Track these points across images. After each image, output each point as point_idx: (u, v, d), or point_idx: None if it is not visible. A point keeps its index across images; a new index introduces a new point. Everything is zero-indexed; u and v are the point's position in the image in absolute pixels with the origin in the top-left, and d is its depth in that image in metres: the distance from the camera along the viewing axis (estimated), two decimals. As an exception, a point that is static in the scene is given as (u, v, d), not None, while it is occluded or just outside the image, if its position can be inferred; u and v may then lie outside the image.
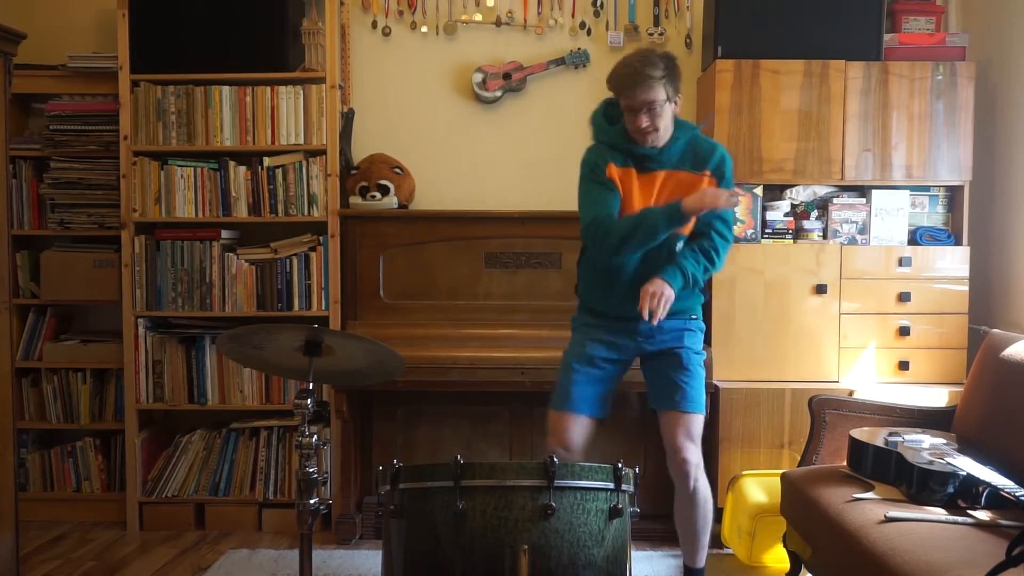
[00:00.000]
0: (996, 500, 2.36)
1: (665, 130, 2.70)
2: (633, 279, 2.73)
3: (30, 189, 3.92)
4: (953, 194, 3.70)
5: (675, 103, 2.71)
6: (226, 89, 3.77)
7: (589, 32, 4.04)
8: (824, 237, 3.68)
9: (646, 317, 2.62)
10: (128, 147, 3.78)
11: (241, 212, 3.81)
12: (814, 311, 3.62)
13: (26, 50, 3.01)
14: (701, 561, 2.86)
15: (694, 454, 2.74)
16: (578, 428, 2.78)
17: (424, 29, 4.05)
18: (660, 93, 2.64)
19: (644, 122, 2.65)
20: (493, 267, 3.75)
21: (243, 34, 3.75)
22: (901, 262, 3.62)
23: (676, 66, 2.68)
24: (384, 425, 3.84)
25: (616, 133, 2.77)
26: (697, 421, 2.77)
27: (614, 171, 2.75)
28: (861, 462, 2.69)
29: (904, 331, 3.60)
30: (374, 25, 4.06)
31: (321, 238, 3.80)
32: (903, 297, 3.61)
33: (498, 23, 4.03)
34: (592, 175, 2.77)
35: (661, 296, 2.63)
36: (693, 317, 2.85)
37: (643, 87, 2.62)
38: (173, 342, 3.84)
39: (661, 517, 3.71)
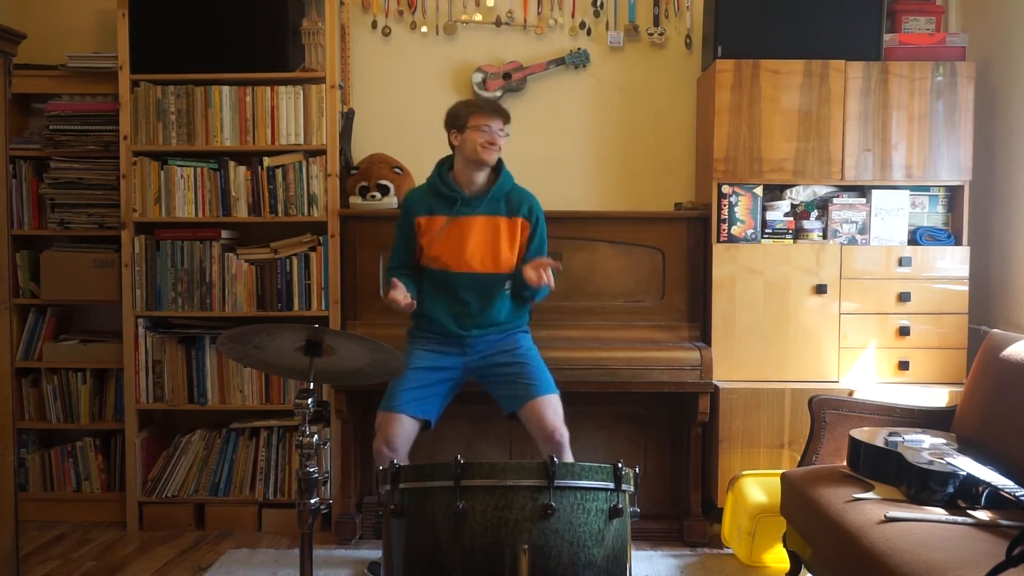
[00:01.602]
0: (996, 500, 2.36)
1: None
2: (472, 311, 3.14)
3: (30, 189, 3.92)
4: (953, 194, 3.70)
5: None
6: (226, 89, 3.77)
7: (589, 32, 4.04)
8: (824, 237, 3.68)
9: (547, 281, 2.98)
10: (128, 147, 3.78)
11: (241, 212, 3.81)
12: (814, 311, 3.62)
13: (26, 50, 3.02)
14: None
15: (565, 432, 3.02)
16: (402, 429, 3.03)
17: (424, 29, 4.05)
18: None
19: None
20: (493, 267, 3.74)
21: (243, 34, 3.75)
22: (901, 262, 3.62)
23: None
24: (384, 425, 3.83)
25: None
26: (556, 400, 3.07)
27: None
28: (861, 462, 2.69)
29: (904, 331, 3.60)
30: (374, 25, 4.06)
31: (321, 238, 3.80)
32: (903, 297, 3.61)
33: (498, 23, 4.03)
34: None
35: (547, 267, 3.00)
36: (522, 331, 3.27)
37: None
38: (173, 342, 3.84)
39: (661, 517, 3.72)
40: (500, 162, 3.18)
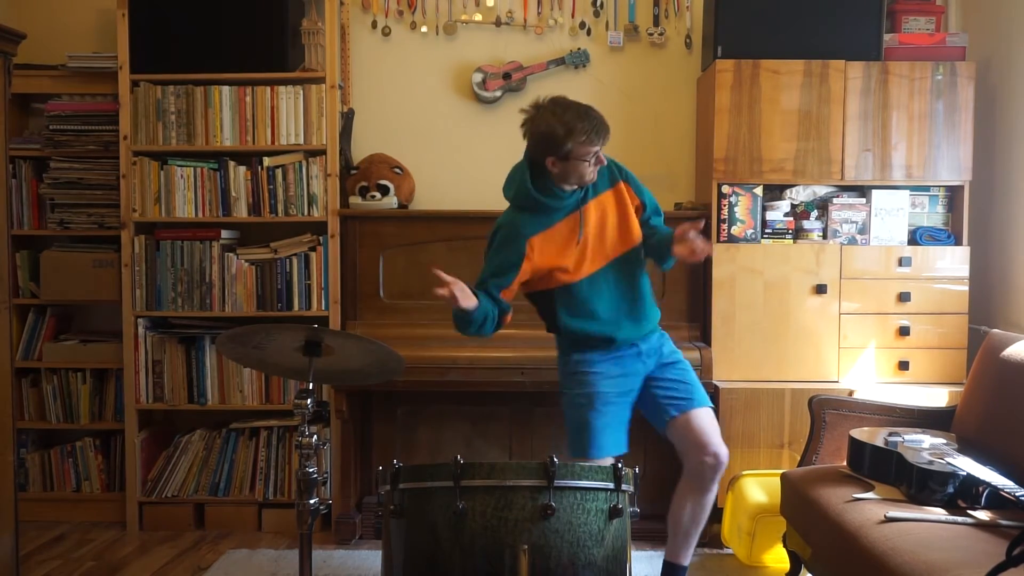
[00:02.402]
0: (996, 500, 2.36)
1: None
2: (612, 299, 2.75)
3: (30, 189, 3.92)
4: (953, 194, 3.70)
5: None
6: (226, 89, 3.77)
7: (589, 32, 4.04)
8: (824, 237, 3.68)
9: (702, 248, 2.65)
10: (128, 147, 3.78)
11: (241, 212, 3.81)
12: (814, 311, 3.62)
13: (26, 50, 3.02)
14: (688, 558, 2.89)
15: (726, 451, 2.76)
16: None
17: (424, 29, 4.05)
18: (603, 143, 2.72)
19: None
20: (493, 267, 3.74)
21: (243, 34, 3.75)
22: (901, 262, 3.62)
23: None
24: (384, 425, 3.83)
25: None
26: (710, 413, 2.81)
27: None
28: (861, 462, 2.69)
29: (904, 331, 3.60)
30: (374, 25, 4.06)
31: (321, 238, 3.80)
32: (903, 297, 3.60)
33: (498, 23, 4.03)
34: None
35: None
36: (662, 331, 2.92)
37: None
38: (173, 342, 3.84)
39: (661, 517, 3.70)
40: None
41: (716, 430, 2.77)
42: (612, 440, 2.71)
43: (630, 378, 2.77)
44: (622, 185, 2.81)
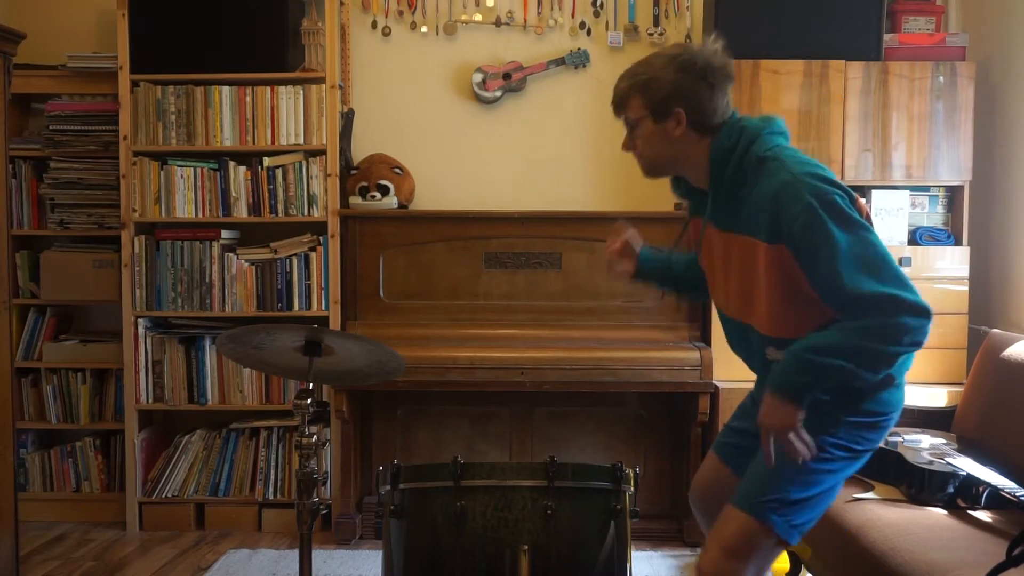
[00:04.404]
0: (996, 500, 2.36)
1: (656, 158, 2.03)
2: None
3: (30, 189, 3.92)
4: (953, 194, 3.70)
5: (657, 120, 1.97)
6: (226, 89, 3.77)
7: (589, 32, 4.04)
8: (824, 237, 3.67)
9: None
10: (128, 147, 3.78)
11: (241, 212, 3.81)
12: (814, 311, 3.61)
13: (26, 50, 3.02)
14: None
15: (707, 562, 1.93)
16: None
17: (424, 29, 4.05)
18: (627, 107, 2.01)
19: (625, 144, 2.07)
20: (493, 267, 3.75)
21: (243, 34, 3.75)
22: (901, 262, 3.61)
23: (660, 68, 1.95)
24: (384, 425, 3.84)
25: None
26: (737, 524, 1.91)
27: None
28: (861, 462, 2.69)
29: (904, 331, 3.60)
30: (374, 25, 4.06)
31: (321, 238, 3.80)
32: (903, 297, 3.60)
33: (498, 23, 4.02)
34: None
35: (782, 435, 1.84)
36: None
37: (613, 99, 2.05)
38: (173, 342, 3.83)
39: (661, 517, 3.72)
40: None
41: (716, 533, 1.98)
42: None
43: None
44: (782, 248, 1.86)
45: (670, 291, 2.21)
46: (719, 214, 1.98)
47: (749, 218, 1.90)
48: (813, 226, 1.79)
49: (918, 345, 1.79)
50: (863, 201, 1.92)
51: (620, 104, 2.01)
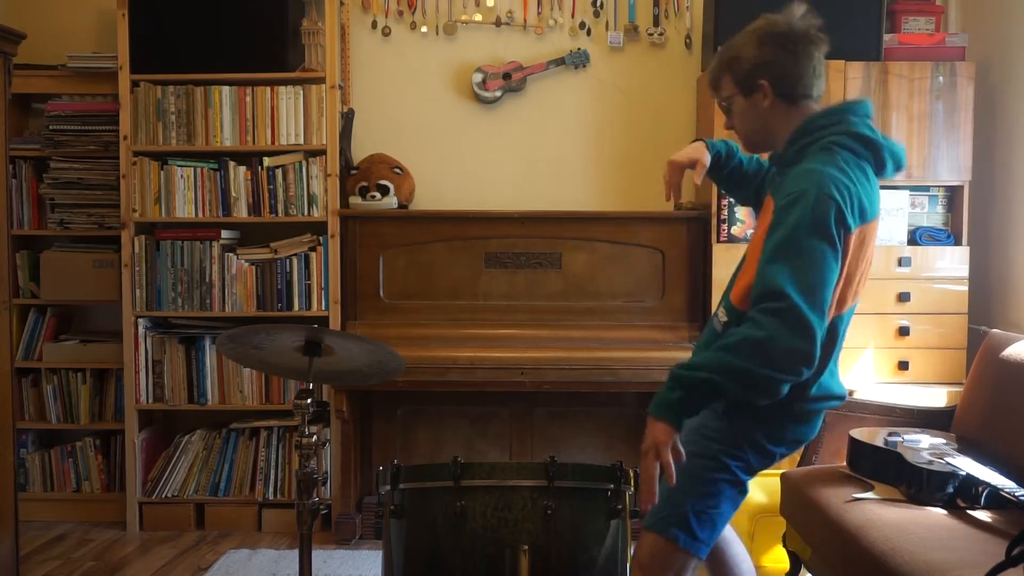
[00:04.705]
0: (996, 500, 2.36)
1: (753, 133, 2.05)
2: None
3: (30, 189, 3.92)
4: (953, 194, 3.70)
5: (746, 94, 2.01)
6: (226, 89, 3.77)
7: (589, 32, 4.04)
8: (824, 237, 3.67)
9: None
10: (128, 147, 3.78)
11: (241, 212, 3.81)
12: (814, 311, 3.61)
13: (26, 50, 3.02)
14: None
15: None
16: None
17: (424, 29, 4.05)
18: (720, 87, 2.07)
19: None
20: (493, 267, 3.75)
21: (243, 34, 3.75)
22: (901, 262, 3.61)
23: (743, 44, 2.07)
24: (384, 425, 3.84)
25: None
26: (646, 543, 1.98)
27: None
28: (861, 462, 2.69)
29: (904, 331, 3.60)
30: (374, 25, 4.06)
31: (321, 238, 3.80)
32: (903, 297, 3.60)
33: (498, 23, 4.02)
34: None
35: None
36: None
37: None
38: (173, 342, 3.84)
39: (661, 517, 3.72)
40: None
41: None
42: None
43: None
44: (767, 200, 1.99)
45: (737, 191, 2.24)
46: (774, 182, 2.01)
47: (782, 189, 1.89)
48: (793, 209, 1.80)
49: (786, 373, 1.74)
50: (864, 231, 1.88)
51: (714, 86, 2.07)
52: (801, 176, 1.85)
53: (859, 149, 1.90)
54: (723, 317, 2.03)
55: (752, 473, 2.00)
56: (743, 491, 2.02)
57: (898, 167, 1.96)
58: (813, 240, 1.77)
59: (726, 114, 2.06)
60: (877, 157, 1.92)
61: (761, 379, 1.75)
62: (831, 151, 1.87)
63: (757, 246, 1.90)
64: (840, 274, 1.82)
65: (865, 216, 1.85)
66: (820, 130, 1.92)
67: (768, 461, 2.00)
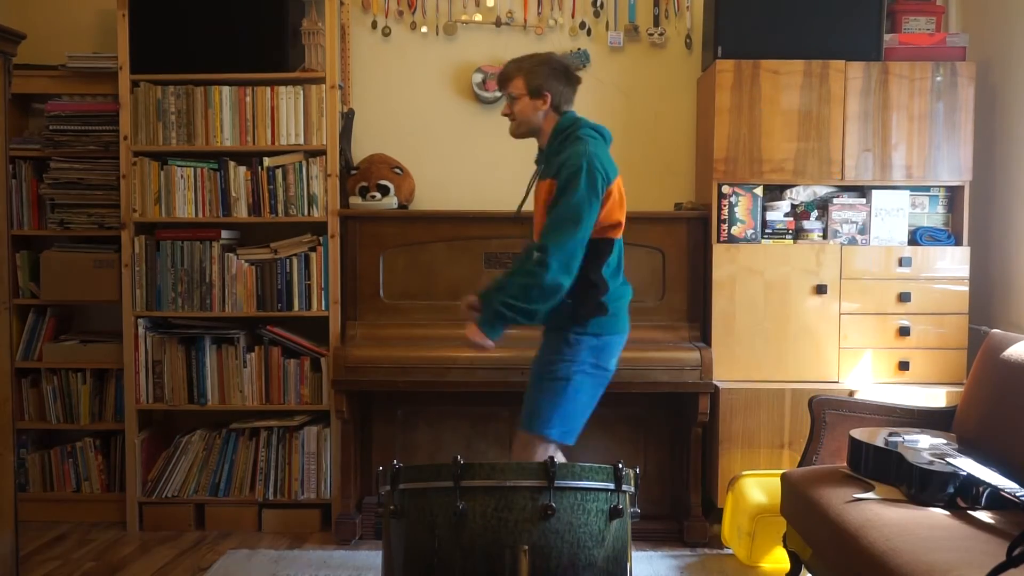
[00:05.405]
0: (996, 500, 2.36)
1: (524, 123, 2.85)
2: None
3: (30, 189, 3.92)
4: (953, 194, 3.70)
5: (532, 98, 2.81)
6: (226, 89, 3.77)
7: (589, 32, 4.04)
8: (824, 237, 3.68)
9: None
10: (128, 147, 3.78)
11: (241, 212, 3.81)
12: (814, 311, 3.62)
13: (26, 50, 3.01)
14: None
15: None
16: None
17: (424, 29, 4.05)
18: (510, 85, 2.84)
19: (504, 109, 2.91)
20: (493, 267, 3.75)
21: (243, 34, 3.75)
22: (901, 262, 3.62)
23: (539, 63, 2.82)
24: (384, 425, 3.84)
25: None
26: (522, 440, 2.78)
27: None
28: (861, 462, 2.69)
29: (904, 331, 3.60)
30: (374, 25, 4.06)
31: (321, 238, 3.80)
32: (903, 297, 3.61)
33: (498, 23, 4.03)
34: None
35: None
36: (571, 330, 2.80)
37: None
38: (173, 342, 3.84)
39: (661, 517, 3.72)
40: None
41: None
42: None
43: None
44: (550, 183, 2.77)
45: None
46: (544, 168, 2.84)
47: (553, 169, 2.75)
48: (573, 178, 2.65)
49: (544, 291, 2.63)
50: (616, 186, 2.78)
51: (506, 80, 2.84)
52: (573, 156, 2.69)
53: (595, 134, 2.79)
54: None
55: (585, 373, 2.77)
56: (582, 389, 2.79)
57: (610, 139, 2.87)
58: (585, 195, 2.65)
59: (510, 105, 2.84)
60: (604, 136, 2.84)
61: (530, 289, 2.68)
62: (584, 139, 2.74)
63: (541, 207, 2.79)
64: (601, 212, 2.71)
65: (609, 177, 2.74)
66: (571, 127, 2.79)
67: (581, 351, 2.78)
